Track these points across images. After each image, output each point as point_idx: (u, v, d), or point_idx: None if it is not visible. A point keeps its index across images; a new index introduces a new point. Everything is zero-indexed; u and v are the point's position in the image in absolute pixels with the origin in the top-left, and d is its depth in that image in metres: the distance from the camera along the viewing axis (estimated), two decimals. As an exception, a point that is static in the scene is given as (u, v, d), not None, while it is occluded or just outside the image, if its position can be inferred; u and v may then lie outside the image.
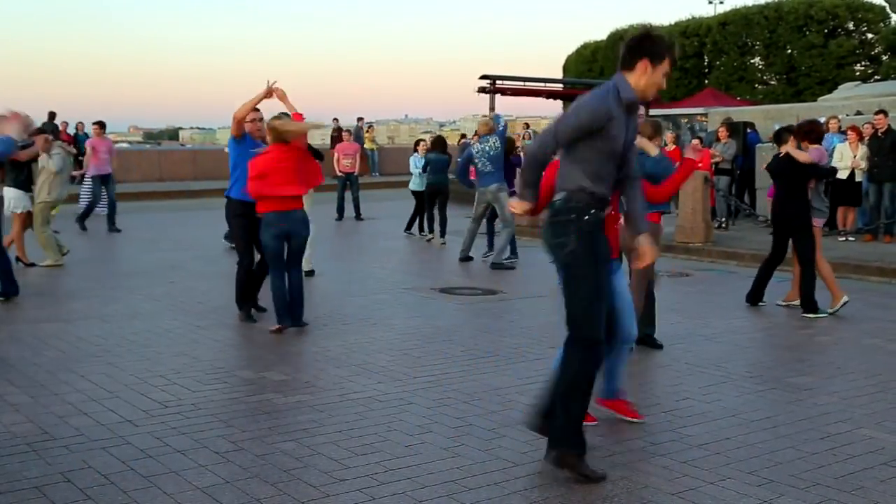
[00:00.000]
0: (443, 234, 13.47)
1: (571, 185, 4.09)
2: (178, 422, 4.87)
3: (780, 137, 8.39)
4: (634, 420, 4.96)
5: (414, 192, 14.63)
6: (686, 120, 25.64)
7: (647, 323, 6.71)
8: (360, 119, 30.55)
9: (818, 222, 8.22)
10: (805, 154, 8.00)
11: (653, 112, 25.04)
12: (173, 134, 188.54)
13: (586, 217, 4.08)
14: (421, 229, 14.41)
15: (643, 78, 4.06)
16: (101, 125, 15.45)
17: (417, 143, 15.93)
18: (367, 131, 30.58)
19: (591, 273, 4.07)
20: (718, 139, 15.18)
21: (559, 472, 4.14)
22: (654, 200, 5.96)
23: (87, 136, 22.73)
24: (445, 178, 13.68)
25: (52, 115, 24.10)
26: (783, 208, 8.17)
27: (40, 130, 10.36)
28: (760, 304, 8.47)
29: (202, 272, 10.60)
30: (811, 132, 8.37)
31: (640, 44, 4.08)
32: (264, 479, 4.07)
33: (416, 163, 14.71)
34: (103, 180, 14.71)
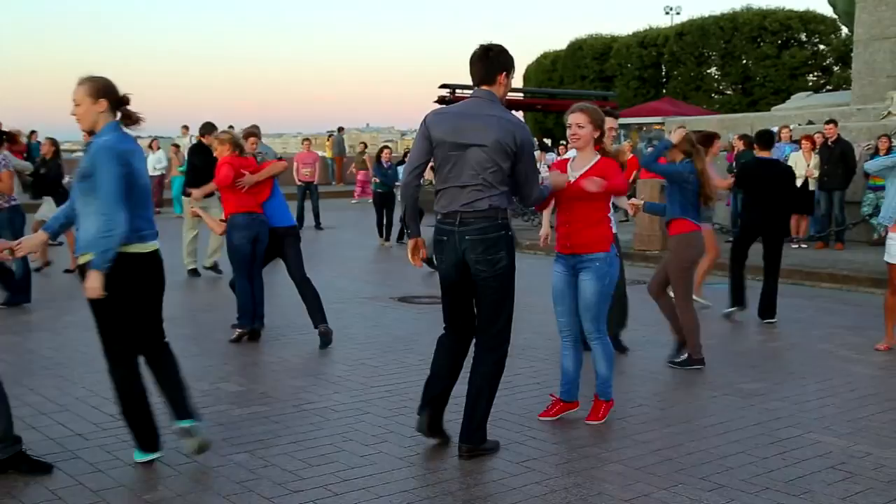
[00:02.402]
0: (388, 236, 14.66)
1: (502, 203, 4.46)
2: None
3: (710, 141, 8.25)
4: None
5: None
6: (644, 128, 25.94)
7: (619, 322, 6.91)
8: (340, 129, 30.49)
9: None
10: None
11: (611, 121, 25.24)
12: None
13: (511, 232, 4.56)
14: (399, 237, 14.57)
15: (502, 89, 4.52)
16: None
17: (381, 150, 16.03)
18: (328, 140, 30.51)
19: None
20: None
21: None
22: None
23: (39, 144, 22.17)
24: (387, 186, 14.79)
25: None
26: (772, 215, 8.24)
27: None
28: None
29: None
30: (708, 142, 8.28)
31: (495, 57, 4.50)
32: (216, 491, 4.04)
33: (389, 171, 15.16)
34: None
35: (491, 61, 4.46)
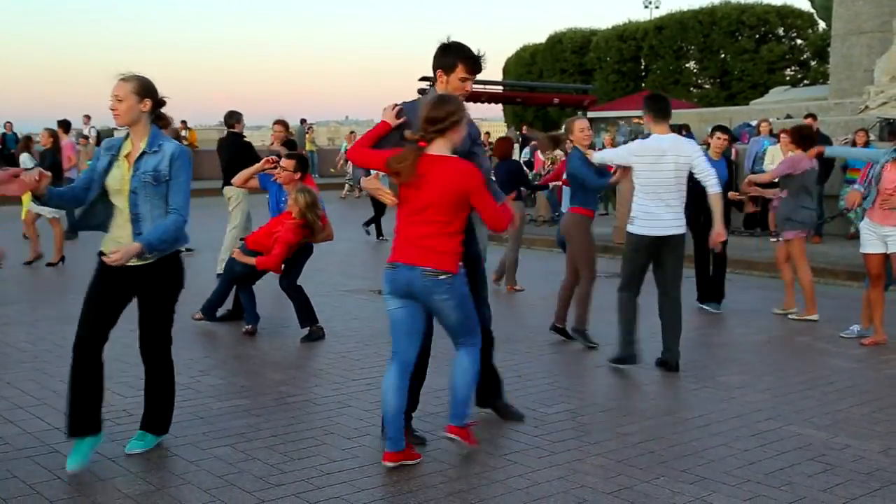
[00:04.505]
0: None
1: None
2: (109, 428, 4.74)
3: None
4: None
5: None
6: (623, 122, 26.01)
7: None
8: (303, 121, 30.32)
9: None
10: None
11: (590, 114, 25.40)
12: (108, 134, 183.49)
13: None
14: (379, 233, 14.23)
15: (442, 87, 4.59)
16: (63, 125, 14.55)
17: None
18: (308, 133, 30.37)
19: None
20: None
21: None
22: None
23: (15, 135, 21.92)
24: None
25: None
26: None
27: None
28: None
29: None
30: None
31: (435, 57, 4.59)
32: (197, 485, 4.00)
33: None
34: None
35: (434, 60, 4.62)
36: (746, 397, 5.56)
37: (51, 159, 11.29)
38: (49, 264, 10.79)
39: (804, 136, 7.95)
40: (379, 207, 13.93)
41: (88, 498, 3.83)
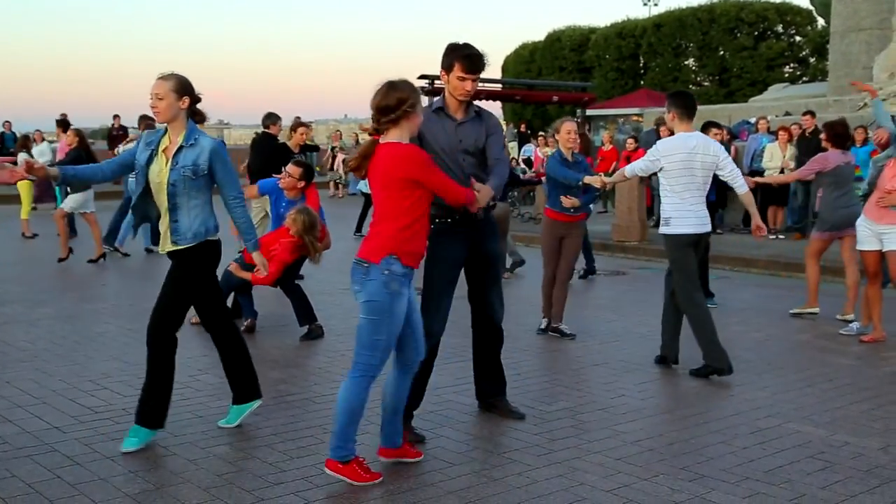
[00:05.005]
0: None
1: None
2: (108, 427, 4.76)
3: None
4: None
5: (363, 193, 14.81)
6: (623, 120, 26.01)
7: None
8: (297, 119, 30.30)
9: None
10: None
11: (589, 112, 25.39)
12: (106, 134, 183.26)
13: (431, 226, 4.40)
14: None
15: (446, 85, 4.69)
16: (62, 125, 14.52)
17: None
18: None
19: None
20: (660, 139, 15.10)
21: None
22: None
23: (14, 135, 21.91)
24: None
25: None
26: None
27: None
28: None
29: (134, 274, 10.39)
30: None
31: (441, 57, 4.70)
32: (196, 484, 4.00)
33: None
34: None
35: (441, 60, 4.70)
36: (745, 395, 5.57)
37: (74, 154, 11.27)
38: (60, 259, 10.84)
39: (837, 134, 7.81)
40: (367, 205, 14.13)
41: (88, 497, 3.83)
